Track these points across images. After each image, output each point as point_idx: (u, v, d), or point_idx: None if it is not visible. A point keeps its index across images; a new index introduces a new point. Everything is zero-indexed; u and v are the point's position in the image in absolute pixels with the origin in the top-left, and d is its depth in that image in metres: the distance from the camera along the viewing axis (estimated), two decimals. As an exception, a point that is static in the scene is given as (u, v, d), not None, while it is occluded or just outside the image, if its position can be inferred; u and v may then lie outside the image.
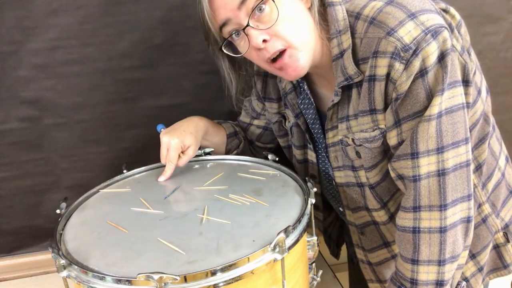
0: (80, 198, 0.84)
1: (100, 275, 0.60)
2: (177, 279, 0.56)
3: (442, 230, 0.72)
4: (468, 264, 0.86)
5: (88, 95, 1.12)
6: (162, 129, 0.95)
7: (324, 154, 0.90)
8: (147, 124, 1.13)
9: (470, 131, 0.76)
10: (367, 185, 0.83)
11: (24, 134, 1.13)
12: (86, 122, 1.15)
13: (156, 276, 0.55)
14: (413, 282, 0.75)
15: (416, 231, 0.73)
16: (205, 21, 0.76)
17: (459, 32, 0.74)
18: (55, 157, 1.16)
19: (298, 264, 0.70)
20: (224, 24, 0.75)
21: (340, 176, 0.88)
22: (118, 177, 0.93)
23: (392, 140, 0.74)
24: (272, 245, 0.61)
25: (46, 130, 1.14)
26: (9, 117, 1.11)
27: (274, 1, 0.71)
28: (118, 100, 1.14)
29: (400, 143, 0.73)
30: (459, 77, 0.70)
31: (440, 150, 0.70)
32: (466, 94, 0.73)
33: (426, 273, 0.74)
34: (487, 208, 0.85)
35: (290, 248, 0.64)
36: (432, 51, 0.66)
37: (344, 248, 1.15)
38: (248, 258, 0.60)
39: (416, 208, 0.73)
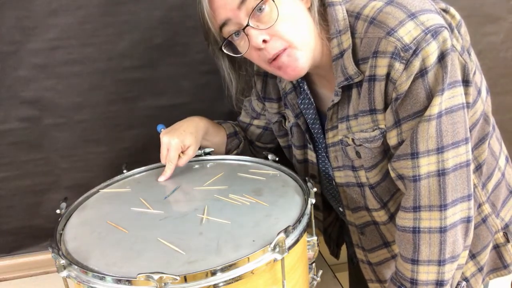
0: (80, 198, 0.84)
1: (100, 275, 0.60)
2: (177, 279, 0.56)
3: (442, 230, 0.72)
4: (468, 264, 0.86)
5: (88, 95, 1.12)
6: (162, 129, 0.95)
7: (324, 154, 0.90)
8: (147, 124, 1.13)
9: (470, 131, 0.76)
10: (367, 185, 0.83)
11: (24, 134, 1.13)
12: (86, 122, 1.15)
13: (156, 276, 0.55)
14: (413, 282, 0.75)
15: (416, 231, 0.73)
16: (205, 21, 0.76)
17: (459, 32, 0.74)
18: (55, 157, 1.16)
19: (298, 264, 0.70)
20: (224, 24, 0.75)
21: (340, 176, 0.88)
22: (118, 177, 0.93)
23: (392, 140, 0.74)
24: (272, 245, 0.61)
25: (46, 130, 1.14)
26: (9, 117, 1.11)
27: (274, 1, 0.71)
28: (118, 100, 1.15)
29: (400, 143, 0.73)
30: (459, 77, 0.70)
31: (440, 150, 0.70)
32: (466, 94, 0.73)
33: (426, 273, 0.74)
34: (487, 208, 0.85)
35: (290, 248, 0.64)
36: (432, 51, 0.66)
37: (344, 248, 1.15)
38: (248, 258, 0.60)
39: (416, 208, 0.73)
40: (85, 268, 0.62)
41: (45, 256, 1.23)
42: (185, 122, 0.95)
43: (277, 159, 0.91)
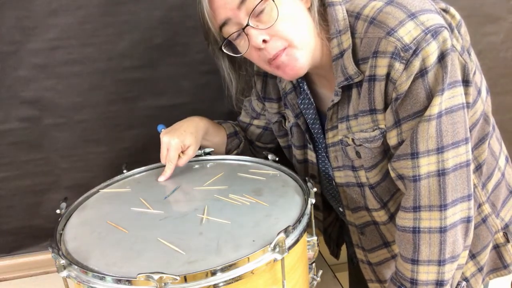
0: (80, 198, 0.84)
1: (100, 275, 0.60)
2: (177, 279, 0.56)
3: (442, 230, 0.72)
4: (468, 264, 0.86)
5: (88, 95, 1.12)
6: (162, 129, 0.95)
7: (324, 154, 0.90)
8: (147, 124, 1.13)
9: (470, 131, 0.76)
10: (367, 185, 0.83)
11: (24, 134, 1.13)
12: (86, 122, 1.15)
13: (156, 276, 0.55)
14: (413, 282, 0.75)
15: (416, 231, 0.73)
16: (205, 21, 0.76)
17: (459, 32, 0.74)
18: (55, 157, 1.16)
19: (298, 264, 0.70)
20: (224, 24, 0.75)
21: (340, 176, 0.88)
22: (118, 177, 0.93)
23: (392, 140, 0.74)
24: (272, 245, 0.61)
25: (46, 130, 1.14)
26: (9, 117, 1.11)
27: (274, 1, 0.71)
28: (118, 100, 1.14)
29: (400, 143, 0.73)
30: (459, 77, 0.70)
31: (440, 150, 0.70)
32: (466, 94, 0.73)
33: (426, 273, 0.74)
34: (487, 208, 0.85)
35: (290, 248, 0.64)
36: (432, 51, 0.66)
37: (344, 248, 1.15)
38: (248, 258, 0.60)
39: (416, 208, 0.73)
40: (85, 268, 0.62)
41: (45, 256, 1.23)
42: (185, 122, 0.95)
43: (277, 159, 0.91)
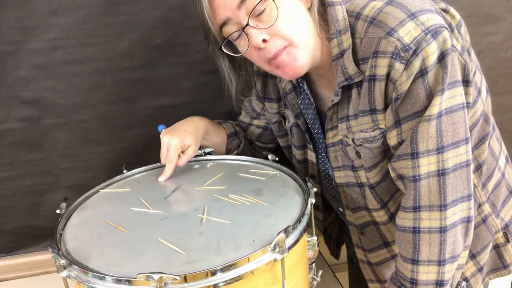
0: (80, 198, 0.84)
1: (100, 275, 0.60)
2: (177, 279, 0.56)
3: (442, 230, 0.72)
4: (468, 264, 0.86)
5: (88, 95, 1.12)
6: (163, 129, 0.95)
7: (324, 154, 0.90)
8: (147, 124, 1.13)
9: (470, 131, 0.76)
10: (367, 185, 0.83)
11: (24, 134, 1.13)
12: (86, 122, 1.15)
13: (156, 276, 0.55)
14: (413, 282, 0.75)
15: (416, 231, 0.73)
16: (205, 21, 0.76)
17: (459, 32, 0.74)
18: (55, 157, 1.16)
19: (298, 264, 0.70)
20: (224, 24, 0.75)
21: (340, 176, 0.88)
22: (118, 177, 0.93)
23: (392, 140, 0.74)
24: (272, 245, 0.61)
25: (46, 130, 1.14)
26: (9, 117, 1.11)
27: (274, 1, 0.71)
28: (118, 100, 1.15)
29: (400, 143, 0.73)
30: (459, 77, 0.70)
31: (440, 150, 0.70)
32: (466, 94, 0.73)
33: (426, 273, 0.74)
34: (487, 208, 0.85)
35: (290, 248, 0.64)
36: (432, 51, 0.66)
37: (344, 248, 1.15)
38: (248, 258, 0.60)
39: (416, 208, 0.73)
40: (85, 268, 0.62)
41: (45, 256, 1.23)
42: (185, 122, 0.95)
43: (277, 159, 0.91)
